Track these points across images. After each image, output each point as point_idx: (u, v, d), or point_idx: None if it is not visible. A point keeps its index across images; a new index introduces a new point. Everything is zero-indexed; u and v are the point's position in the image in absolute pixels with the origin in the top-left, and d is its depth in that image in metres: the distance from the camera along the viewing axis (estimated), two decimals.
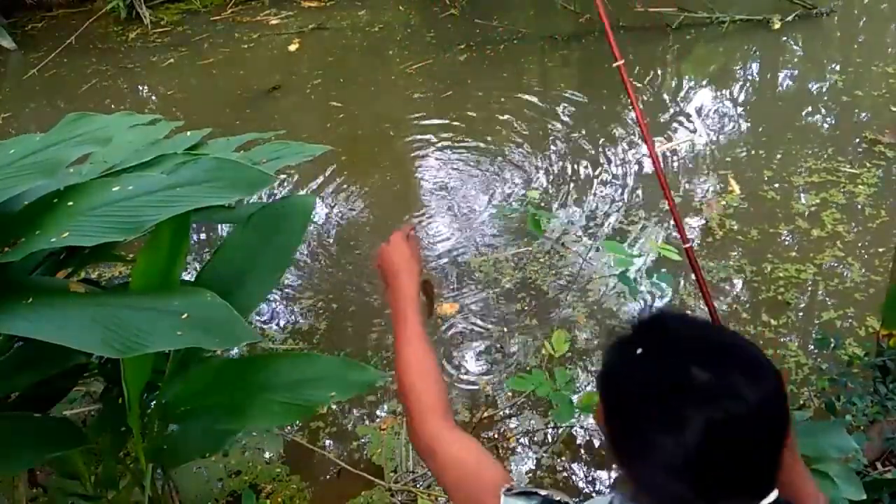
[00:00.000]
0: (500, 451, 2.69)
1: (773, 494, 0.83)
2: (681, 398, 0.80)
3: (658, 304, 3.25)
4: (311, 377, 1.70)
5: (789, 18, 5.71)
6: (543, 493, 0.96)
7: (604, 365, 0.91)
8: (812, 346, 2.93)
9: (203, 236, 4.17)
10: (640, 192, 4.09)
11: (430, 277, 1.43)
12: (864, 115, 4.49)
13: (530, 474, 2.61)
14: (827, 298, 3.18)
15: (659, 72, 5.43)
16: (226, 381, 1.75)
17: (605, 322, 3.22)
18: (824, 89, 4.88)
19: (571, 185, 4.27)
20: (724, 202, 3.83)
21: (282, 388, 1.68)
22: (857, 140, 4.19)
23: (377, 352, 3.19)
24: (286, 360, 1.90)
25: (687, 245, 1.93)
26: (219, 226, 4.02)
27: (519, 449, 2.72)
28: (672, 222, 3.77)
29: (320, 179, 4.52)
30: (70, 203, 1.62)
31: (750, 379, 0.81)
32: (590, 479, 2.59)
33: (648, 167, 4.31)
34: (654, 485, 0.83)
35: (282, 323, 3.47)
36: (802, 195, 3.82)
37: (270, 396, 1.67)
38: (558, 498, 0.96)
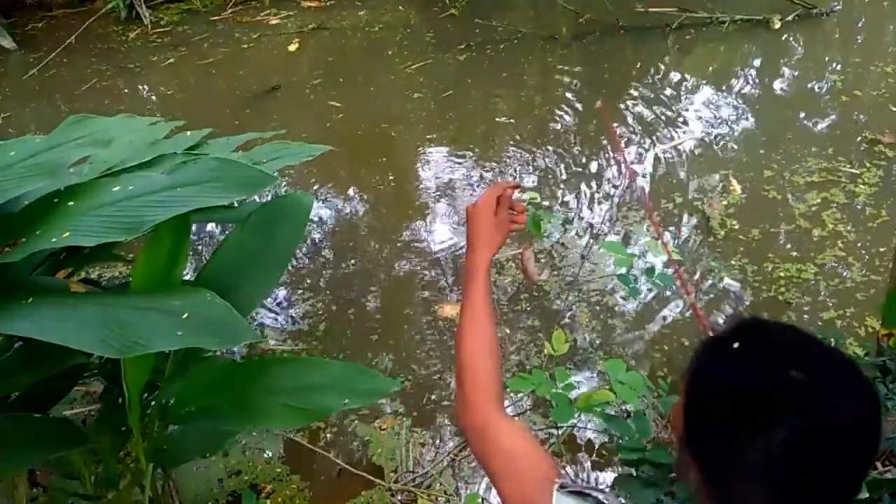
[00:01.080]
0: None
1: None
2: (773, 400, 0.77)
3: (648, 292, 3.25)
4: (321, 382, 1.71)
5: (789, 18, 5.71)
6: (598, 494, 0.93)
7: (694, 359, 0.87)
8: None
9: (203, 236, 4.16)
10: (638, 191, 4.09)
11: (527, 248, 1.34)
12: (863, 114, 4.49)
13: None
14: (827, 298, 3.18)
15: (659, 72, 5.43)
16: (232, 381, 1.75)
17: (606, 322, 3.22)
18: (824, 89, 4.88)
19: (571, 184, 4.27)
20: (725, 201, 3.83)
21: (289, 392, 1.68)
22: (858, 140, 4.19)
23: (377, 353, 3.19)
24: (296, 364, 1.91)
25: (692, 303, 1.90)
26: (219, 226, 4.02)
27: None
28: (671, 221, 3.77)
29: (320, 179, 4.52)
30: (70, 203, 1.62)
31: (846, 393, 0.78)
32: (590, 479, 2.59)
33: (648, 167, 4.31)
34: (725, 487, 0.80)
35: (282, 323, 3.47)
36: (803, 195, 3.82)
37: (276, 399, 1.67)
38: (610, 500, 0.93)
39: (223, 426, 1.85)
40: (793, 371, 0.77)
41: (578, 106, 5.22)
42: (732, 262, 3.41)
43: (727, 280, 3.35)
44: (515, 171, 4.42)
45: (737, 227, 3.64)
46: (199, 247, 4.07)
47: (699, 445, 0.83)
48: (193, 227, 2.47)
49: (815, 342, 0.84)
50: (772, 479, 0.76)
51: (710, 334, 0.89)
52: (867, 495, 1.70)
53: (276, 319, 3.50)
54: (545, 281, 3.34)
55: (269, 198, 3.83)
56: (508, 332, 3.21)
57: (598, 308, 3.29)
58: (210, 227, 4.15)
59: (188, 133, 2.28)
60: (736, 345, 0.82)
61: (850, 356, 0.85)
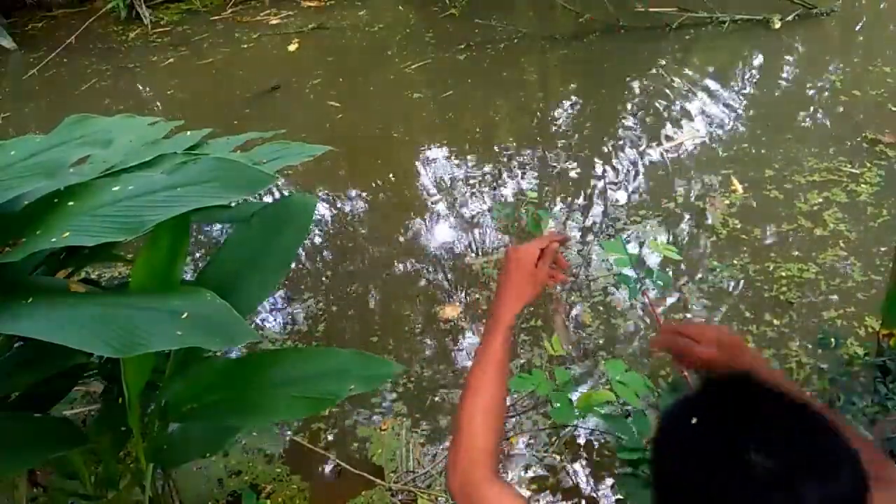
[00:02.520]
0: (502, 450, 2.69)
1: None
2: (731, 483, 0.69)
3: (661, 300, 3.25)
4: (324, 371, 1.70)
5: (789, 18, 5.71)
6: None
7: (657, 430, 0.80)
8: (813, 346, 2.93)
9: (203, 236, 4.16)
10: (640, 191, 4.09)
11: (558, 307, 1.23)
12: (863, 114, 4.49)
13: (531, 474, 2.61)
14: (829, 298, 3.17)
15: (659, 71, 5.43)
16: (233, 377, 1.75)
17: (611, 321, 3.21)
18: (824, 89, 4.88)
19: (571, 184, 4.27)
20: (727, 201, 3.83)
21: (293, 383, 1.68)
22: (858, 139, 4.19)
23: (377, 354, 3.18)
24: (299, 355, 1.90)
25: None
26: (219, 226, 4.02)
27: (520, 449, 2.72)
28: (671, 221, 3.77)
29: (320, 179, 4.52)
30: (71, 203, 1.62)
31: (817, 476, 0.68)
32: (591, 479, 2.59)
33: (648, 167, 4.31)
34: None
35: (281, 323, 3.47)
36: (804, 194, 3.82)
37: (283, 390, 1.67)
38: None
39: (226, 422, 1.84)
40: (753, 450, 0.69)
41: (578, 106, 5.22)
42: (734, 262, 3.41)
43: (731, 280, 3.34)
44: (515, 170, 4.42)
45: (738, 226, 3.64)
46: (199, 247, 4.07)
47: None
48: (193, 227, 2.47)
49: (791, 409, 0.75)
50: None
51: (676, 398, 0.81)
52: None
53: (276, 319, 3.50)
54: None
55: (269, 198, 3.84)
56: (515, 333, 3.20)
57: (600, 308, 3.29)
58: (210, 227, 4.15)
59: (188, 133, 2.28)
60: (694, 420, 0.75)
61: (835, 424, 0.75)
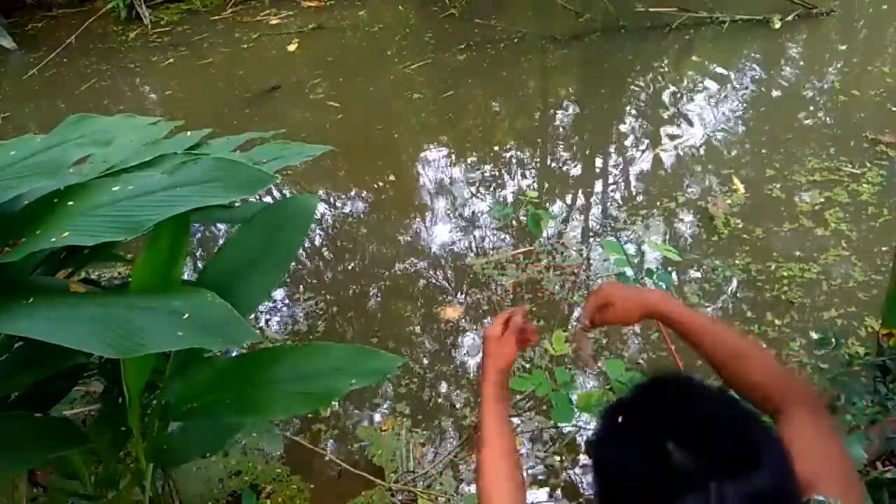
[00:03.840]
0: None
1: None
2: (652, 481, 0.71)
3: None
4: (325, 366, 1.69)
5: (789, 18, 5.71)
6: None
7: (593, 432, 0.84)
8: (813, 346, 2.93)
9: (203, 236, 4.16)
10: (640, 191, 4.09)
11: (583, 331, 1.32)
12: (863, 114, 4.49)
13: (532, 475, 2.61)
14: (830, 297, 3.17)
15: (660, 71, 5.43)
16: (233, 376, 1.74)
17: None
18: (824, 89, 4.88)
19: (571, 184, 4.27)
20: (729, 200, 3.83)
21: (295, 379, 1.67)
22: (858, 139, 4.18)
23: None
24: (298, 352, 1.89)
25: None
26: (219, 226, 4.02)
27: (521, 449, 2.72)
28: (672, 221, 3.77)
29: (320, 179, 4.52)
30: (71, 203, 1.62)
31: (736, 473, 0.70)
32: (591, 479, 2.59)
33: (648, 166, 4.31)
34: None
35: (281, 323, 3.47)
36: (806, 194, 3.82)
37: (283, 388, 1.66)
38: None
39: (227, 420, 1.84)
40: (672, 446, 0.71)
41: (578, 106, 5.22)
42: (736, 262, 3.41)
43: (732, 279, 3.34)
44: (515, 170, 4.42)
45: (740, 225, 3.64)
46: (199, 247, 4.07)
47: None
48: (193, 227, 2.46)
49: (713, 401, 0.77)
50: None
51: (609, 403, 0.85)
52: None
53: (277, 319, 3.50)
54: (543, 286, 3.33)
55: (269, 198, 3.84)
56: None
57: None
58: (211, 227, 4.15)
59: (188, 133, 2.28)
60: (620, 419, 0.79)
61: (756, 416, 0.78)
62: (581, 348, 1.39)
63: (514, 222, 3.90)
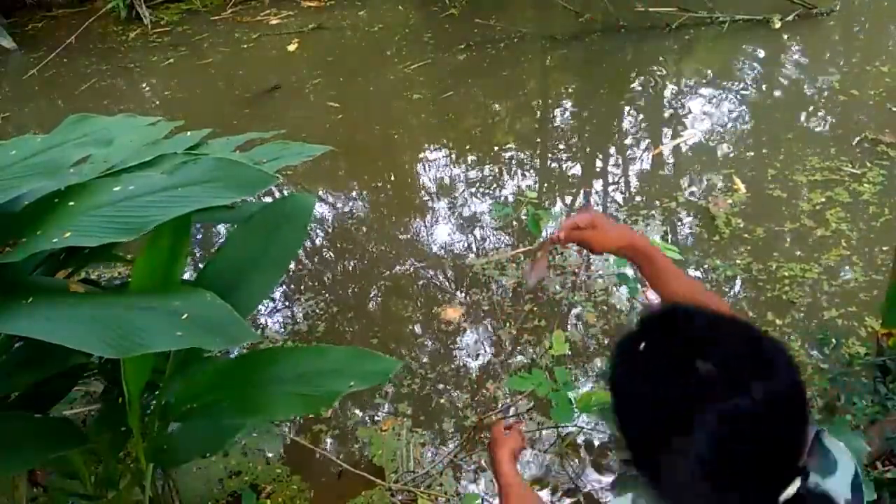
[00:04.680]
0: None
1: (797, 483, 0.79)
2: (687, 394, 0.77)
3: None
4: (325, 368, 1.69)
5: (789, 18, 5.71)
6: None
7: (609, 365, 0.88)
8: (812, 346, 2.93)
9: (203, 236, 4.16)
10: (640, 191, 4.09)
11: (545, 249, 1.38)
12: (864, 114, 4.49)
13: (532, 475, 2.61)
14: (831, 297, 3.17)
15: (659, 71, 5.43)
16: (233, 376, 1.74)
17: (612, 321, 3.21)
18: (824, 89, 4.88)
19: (571, 184, 4.27)
20: (730, 200, 3.83)
21: (293, 381, 1.67)
22: (859, 139, 4.18)
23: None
24: (298, 352, 1.89)
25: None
26: (219, 226, 4.02)
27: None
28: (672, 221, 3.77)
29: (319, 179, 4.52)
30: (71, 203, 1.62)
31: (759, 370, 0.77)
32: (591, 480, 2.59)
33: (648, 166, 4.31)
34: (673, 486, 0.80)
35: (281, 323, 3.47)
36: (807, 194, 3.82)
37: (283, 388, 1.66)
38: None
39: (227, 421, 1.84)
40: (699, 362, 0.77)
41: (578, 106, 5.22)
42: (737, 262, 3.41)
43: (733, 279, 3.34)
44: (515, 170, 4.42)
45: (742, 225, 3.64)
46: (199, 247, 4.07)
47: (634, 453, 0.84)
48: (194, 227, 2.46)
49: (722, 322, 0.85)
50: (710, 468, 0.76)
51: (619, 335, 0.90)
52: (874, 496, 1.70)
53: (276, 319, 3.50)
54: (543, 285, 3.34)
55: (269, 198, 3.84)
56: (514, 333, 3.21)
57: (604, 307, 3.29)
58: (210, 227, 4.15)
59: (188, 133, 2.28)
60: (642, 346, 0.83)
61: (762, 330, 0.85)
62: (537, 262, 1.41)
63: (514, 222, 3.90)
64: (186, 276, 2.53)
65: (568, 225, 1.30)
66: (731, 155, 4.28)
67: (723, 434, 0.75)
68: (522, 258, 3.59)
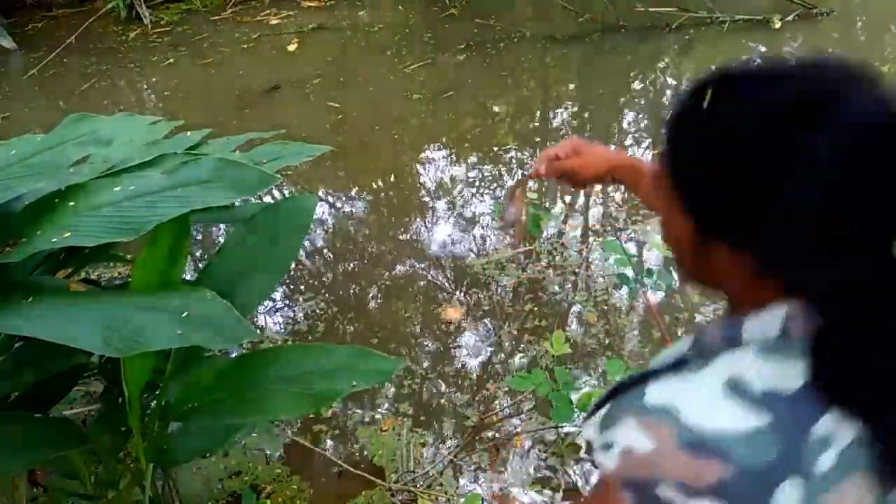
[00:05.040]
0: (503, 451, 2.69)
1: None
2: (801, 118, 0.62)
3: (652, 293, 3.25)
4: (326, 367, 1.69)
5: (789, 18, 5.71)
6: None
7: (682, 106, 0.72)
8: None
9: (203, 236, 4.16)
10: None
11: (522, 184, 1.28)
12: None
13: (532, 475, 2.61)
14: None
15: (659, 72, 5.43)
16: (233, 376, 1.74)
17: (612, 321, 3.21)
18: None
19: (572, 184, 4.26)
20: None
21: (295, 380, 1.67)
22: None
23: None
24: (298, 352, 1.89)
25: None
26: (219, 225, 4.02)
27: (522, 449, 2.72)
28: None
29: (320, 179, 4.52)
30: (71, 203, 1.62)
31: (869, 87, 0.64)
32: (592, 480, 2.59)
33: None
34: (772, 249, 0.64)
35: (281, 323, 3.47)
36: None
37: (283, 388, 1.66)
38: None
39: (227, 420, 1.84)
40: (808, 83, 0.64)
41: (578, 106, 5.22)
42: None
43: None
44: (515, 170, 4.42)
45: None
46: (199, 247, 4.07)
47: (715, 210, 0.68)
48: (193, 227, 2.46)
49: (793, 61, 0.70)
50: (827, 209, 0.60)
51: (693, 82, 0.73)
52: None
53: (276, 319, 3.50)
54: (543, 285, 3.34)
55: (269, 198, 3.84)
56: (514, 333, 3.21)
57: (604, 307, 3.29)
58: (210, 227, 4.15)
59: (188, 133, 2.28)
60: (729, 81, 0.70)
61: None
62: (514, 200, 1.32)
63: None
64: (187, 276, 2.53)
65: (547, 155, 1.18)
66: None
67: (850, 157, 0.59)
68: (522, 258, 3.60)
